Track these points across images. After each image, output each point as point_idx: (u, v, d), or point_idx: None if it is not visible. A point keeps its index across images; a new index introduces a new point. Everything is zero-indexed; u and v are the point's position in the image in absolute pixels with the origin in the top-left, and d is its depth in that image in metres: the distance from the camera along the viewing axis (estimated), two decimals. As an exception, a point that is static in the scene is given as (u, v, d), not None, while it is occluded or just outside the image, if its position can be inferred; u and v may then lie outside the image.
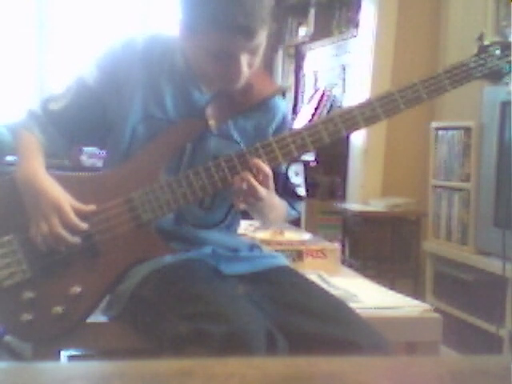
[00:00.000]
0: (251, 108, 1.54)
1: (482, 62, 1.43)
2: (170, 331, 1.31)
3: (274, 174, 1.58)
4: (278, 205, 1.55)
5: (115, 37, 1.57)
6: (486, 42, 1.44)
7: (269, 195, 1.42)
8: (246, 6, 1.32)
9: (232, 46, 1.37)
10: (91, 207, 1.43)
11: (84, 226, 1.42)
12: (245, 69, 1.41)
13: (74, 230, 1.41)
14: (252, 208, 1.47)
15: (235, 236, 1.68)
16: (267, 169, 1.39)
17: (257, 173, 1.38)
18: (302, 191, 1.68)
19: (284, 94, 1.70)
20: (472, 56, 1.43)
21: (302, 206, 1.74)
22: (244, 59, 1.39)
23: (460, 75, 1.42)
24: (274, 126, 1.58)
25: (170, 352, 1.28)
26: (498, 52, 1.43)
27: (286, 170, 1.62)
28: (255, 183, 1.38)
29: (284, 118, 1.60)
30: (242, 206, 1.43)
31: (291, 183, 1.64)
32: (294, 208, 1.68)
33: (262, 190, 1.39)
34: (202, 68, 1.45)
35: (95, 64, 1.53)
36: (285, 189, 1.62)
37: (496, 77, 1.45)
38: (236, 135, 1.53)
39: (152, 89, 1.49)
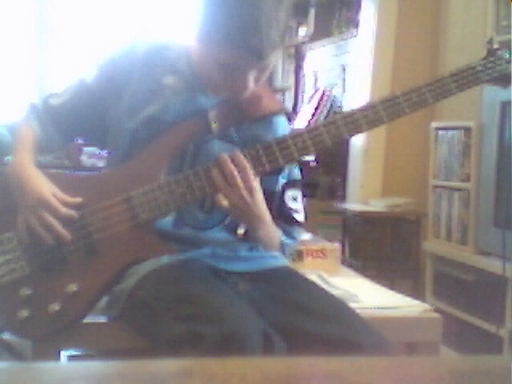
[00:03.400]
0: (255, 120, 1.54)
1: (490, 65, 1.40)
2: (165, 332, 1.31)
3: (267, 193, 1.56)
4: (269, 222, 1.49)
5: (118, 41, 1.59)
6: (496, 46, 1.42)
7: (255, 203, 1.39)
8: (261, 29, 1.33)
9: (242, 64, 1.38)
10: (77, 199, 1.44)
11: (74, 213, 1.42)
12: (251, 84, 1.42)
13: (65, 219, 1.42)
14: (240, 216, 1.45)
15: (234, 236, 1.67)
16: (245, 162, 1.37)
17: (236, 166, 1.36)
18: (300, 217, 1.63)
19: (289, 117, 1.69)
20: (480, 59, 1.41)
21: (301, 235, 1.66)
22: (252, 75, 1.41)
23: (467, 79, 1.39)
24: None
25: (166, 353, 1.28)
26: (507, 56, 1.41)
27: (282, 193, 1.60)
28: (235, 174, 1.35)
29: None
30: (225, 203, 1.39)
31: (288, 207, 1.60)
32: (291, 236, 1.62)
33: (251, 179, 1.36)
34: (209, 75, 1.46)
35: (97, 66, 1.55)
36: (280, 211, 1.58)
37: (505, 81, 1.43)
38: (238, 140, 1.53)
39: (154, 92, 1.50)
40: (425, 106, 1.40)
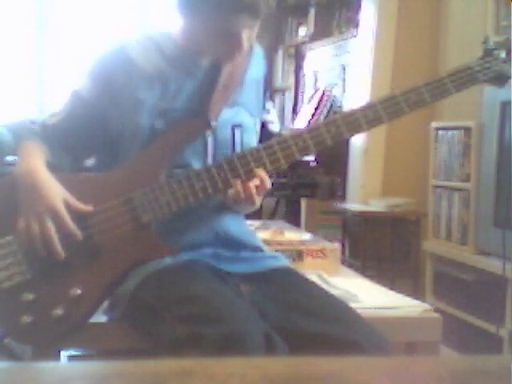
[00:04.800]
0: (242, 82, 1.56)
1: (487, 65, 1.42)
2: (167, 333, 1.31)
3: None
4: None
5: (104, 44, 1.58)
6: (492, 45, 1.43)
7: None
8: None
9: (236, 25, 1.39)
10: (89, 207, 1.43)
11: (78, 233, 1.41)
12: (245, 44, 1.44)
13: (68, 237, 1.41)
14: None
15: (242, 223, 1.64)
16: (269, 183, 1.41)
17: (259, 183, 1.40)
18: (276, 127, 1.69)
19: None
20: (477, 59, 1.43)
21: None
22: (245, 35, 1.42)
23: (464, 78, 1.41)
24: (260, 72, 1.62)
25: (167, 354, 1.28)
26: (503, 55, 1.43)
27: None
28: (255, 195, 1.40)
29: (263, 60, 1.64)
30: (232, 205, 1.47)
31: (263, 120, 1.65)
32: None
33: (257, 200, 1.43)
34: (200, 48, 1.48)
35: (87, 74, 1.52)
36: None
37: (501, 80, 1.45)
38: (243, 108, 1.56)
39: (154, 84, 1.49)
40: (423, 106, 1.42)
